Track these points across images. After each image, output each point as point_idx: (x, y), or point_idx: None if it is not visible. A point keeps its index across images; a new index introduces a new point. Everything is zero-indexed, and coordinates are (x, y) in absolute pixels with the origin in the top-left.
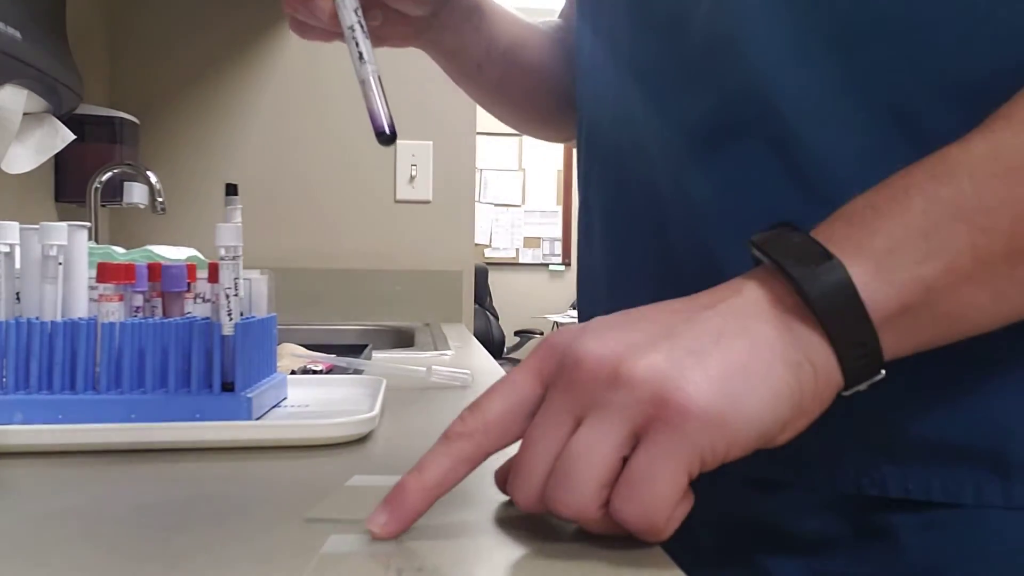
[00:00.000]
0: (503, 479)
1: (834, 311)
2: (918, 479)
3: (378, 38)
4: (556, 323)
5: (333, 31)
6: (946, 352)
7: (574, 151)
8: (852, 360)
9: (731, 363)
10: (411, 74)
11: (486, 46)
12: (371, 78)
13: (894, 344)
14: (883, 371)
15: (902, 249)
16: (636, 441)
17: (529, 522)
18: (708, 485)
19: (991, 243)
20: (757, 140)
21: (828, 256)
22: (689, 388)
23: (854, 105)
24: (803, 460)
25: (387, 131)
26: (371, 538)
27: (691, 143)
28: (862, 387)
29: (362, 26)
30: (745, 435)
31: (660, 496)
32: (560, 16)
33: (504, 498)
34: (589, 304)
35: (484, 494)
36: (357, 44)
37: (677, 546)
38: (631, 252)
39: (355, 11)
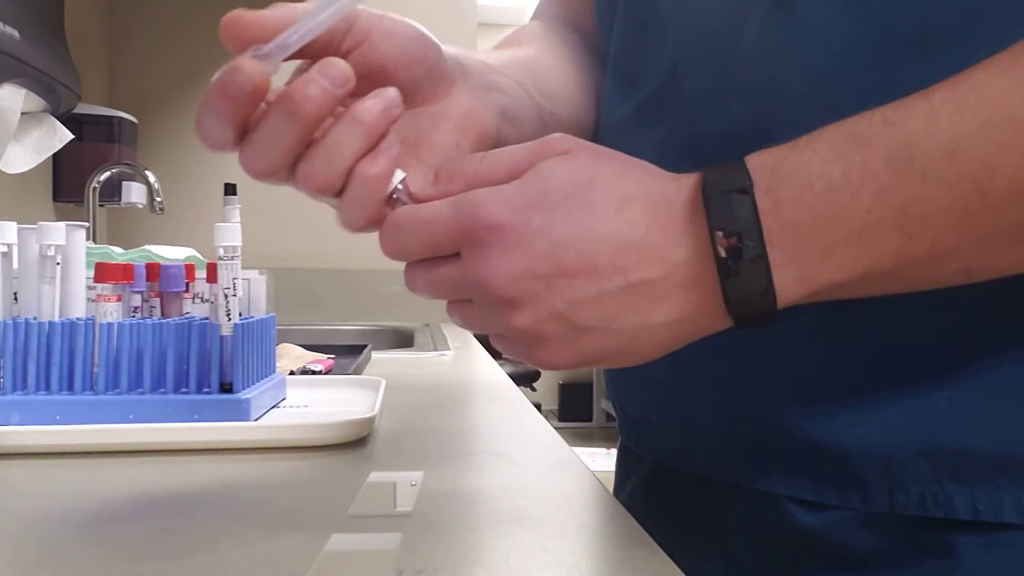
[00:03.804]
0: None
1: (748, 313)
2: (988, 499)
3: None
4: None
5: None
6: (1014, 359)
7: None
8: (746, 328)
9: (608, 351)
10: None
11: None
12: None
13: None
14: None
15: (833, 253)
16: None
17: (530, 523)
18: (743, 501)
19: (915, 249)
20: None
21: (765, 265)
22: (560, 362)
23: None
24: (857, 482)
25: None
26: None
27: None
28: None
29: None
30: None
31: (528, 360)
32: (537, 18)
33: (506, 499)
34: None
35: (485, 495)
36: None
37: (711, 560)
38: None
39: None
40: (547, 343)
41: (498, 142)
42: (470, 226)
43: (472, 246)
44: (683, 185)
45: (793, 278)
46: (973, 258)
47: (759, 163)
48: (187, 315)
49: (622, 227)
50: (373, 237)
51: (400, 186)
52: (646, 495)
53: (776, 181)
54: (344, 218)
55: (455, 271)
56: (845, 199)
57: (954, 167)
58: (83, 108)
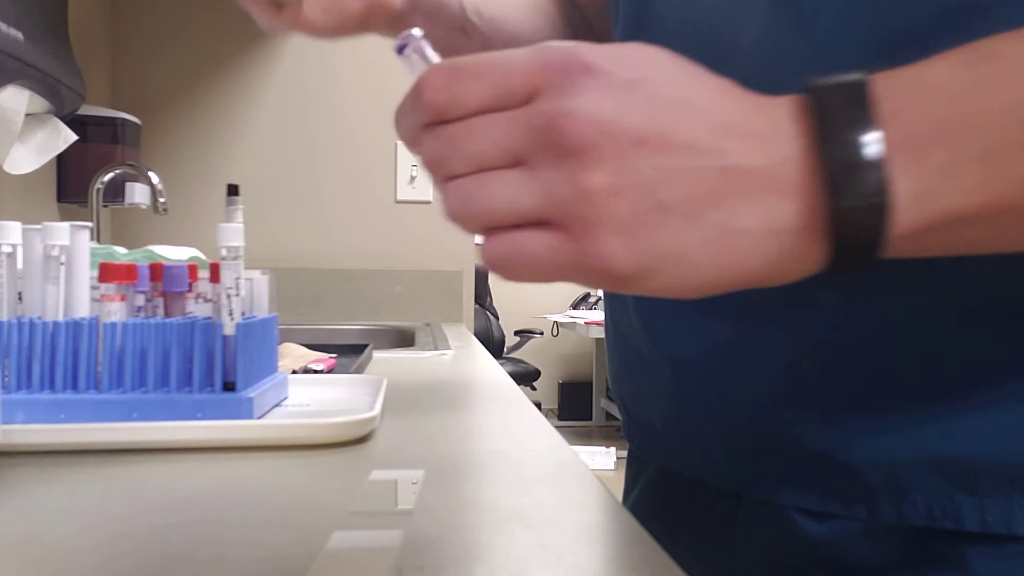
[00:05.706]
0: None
1: (854, 232)
2: (998, 510)
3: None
4: (556, 323)
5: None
6: None
7: None
8: (846, 267)
9: (678, 252)
10: None
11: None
12: None
13: (897, 252)
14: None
15: (955, 172)
16: (546, 221)
17: (530, 522)
18: (749, 509)
19: None
20: None
21: (881, 184)
22: (618, 256)
23: None
24: (863, 492)
25: None
26: None
27: None
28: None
29: None
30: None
31: (521, 275)
32: None
33: (506, 498)
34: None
35: (486, 493)
36: None
37: (716, 568)
38: None
39: None
40: (613, 223)
41: (397, 17)
42: (557, 61)
43: (553, 86)
44: (782, 98)
45: (910, 195)
46: None
47: (874, 75)
48: (190, 315)
49: (728, 106)
50: (374, 238)
51: (420, 41)
52: (653, 500)
53: (894, 87)
54: None
55: (517, 113)
56: (973, 111)
57: None
58: (87, 109)
